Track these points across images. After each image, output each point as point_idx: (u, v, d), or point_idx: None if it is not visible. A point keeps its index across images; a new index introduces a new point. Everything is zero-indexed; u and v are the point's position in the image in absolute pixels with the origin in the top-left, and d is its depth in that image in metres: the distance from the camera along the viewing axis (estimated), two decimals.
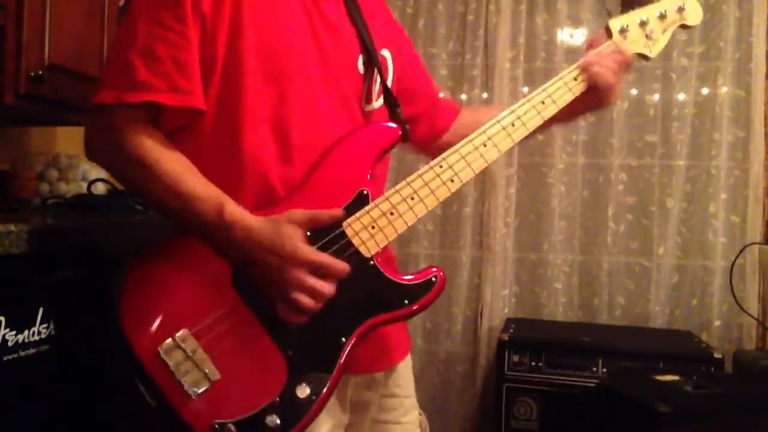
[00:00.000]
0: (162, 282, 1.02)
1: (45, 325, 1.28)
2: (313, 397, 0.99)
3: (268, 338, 1.00)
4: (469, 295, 3.07)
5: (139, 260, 1.04)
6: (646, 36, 1.27)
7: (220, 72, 1.06)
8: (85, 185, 2.13)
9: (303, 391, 0.99)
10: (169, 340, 0.97)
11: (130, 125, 1.03)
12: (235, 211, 1.00)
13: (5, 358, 1.20)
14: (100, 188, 2.11)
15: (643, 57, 1.29)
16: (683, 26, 1.31)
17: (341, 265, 1.00)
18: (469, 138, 1.14)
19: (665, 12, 1.28)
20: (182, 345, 0.97)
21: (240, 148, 1.07)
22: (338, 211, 1.04)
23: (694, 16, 1.30)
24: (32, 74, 1.73)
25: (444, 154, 1.12)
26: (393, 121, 1.17)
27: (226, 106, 1.07)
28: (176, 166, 1.03)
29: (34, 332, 1.26)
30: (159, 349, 0.96)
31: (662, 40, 1.29)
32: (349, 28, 1.18)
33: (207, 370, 0.97)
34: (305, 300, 0.97)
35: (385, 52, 1.24)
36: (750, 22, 2.85)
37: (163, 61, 1.02)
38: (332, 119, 1.12)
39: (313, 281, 0.98)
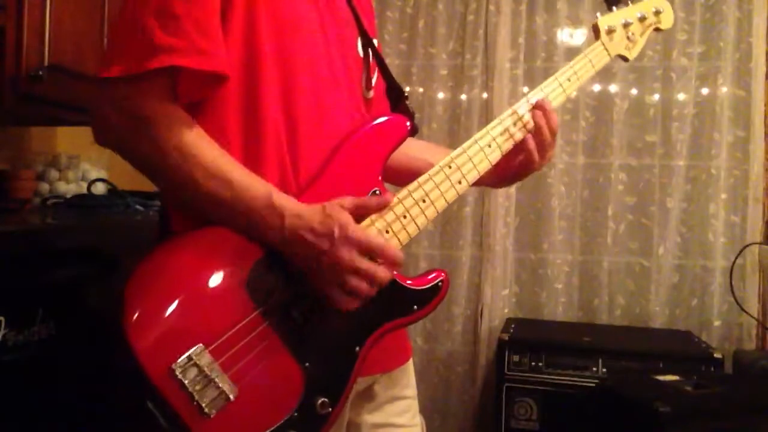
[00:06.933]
0: (170, 291, 0.90)
1: (45, 325, 1.28)
2: (330, 409, 0.95)
3: (285, 349, 0.94)
4: (469, 295, 3.07)
5: (142, 266, 0.92)
6: (628, 38, 1.29)
7: (239, 33, 0.97)
8: (85, 185, 2.13)
9: (320, 403, 0.95)
10: (185, 356, 0.87)
11: (156, 104, 0.93)
12: (282, 196, 0.95)
13: (5, 358, 1.20)
14: (100, 188, 2.11)
15: (623, 59, 1.31)
16: (657, 29, 1.34)
17: (395, 250, 0.97)
18: (474, 139, 1.11)
19: (645, 14, 1.30)
20: (198, 361, 0.87)
21: (260, 129, 0.99)
22: (389, 197, 1.01)
23: (668, 19, 1.34)
24: (32, 74, 1.72)
25: (452, 154, 1.09)
26: (399, 113, 1.11)
27: (246, 77, 0.98)
28: (215, 150, 0.95)
29: (34, 332, 1.26)
30: (173, 367, 0.86)
31: (640, 43, 1.31)
32: (348, 12, 1.13)
33: (225, 387, 0.88)
34: (357, 283, 0.94)
35: (375, 42, 1.19)
36: (750, 22, 2.85)
37: (181, 19, 0.90)
38: (337, 104, 1.06)
39: (366, 264, 0.94)
